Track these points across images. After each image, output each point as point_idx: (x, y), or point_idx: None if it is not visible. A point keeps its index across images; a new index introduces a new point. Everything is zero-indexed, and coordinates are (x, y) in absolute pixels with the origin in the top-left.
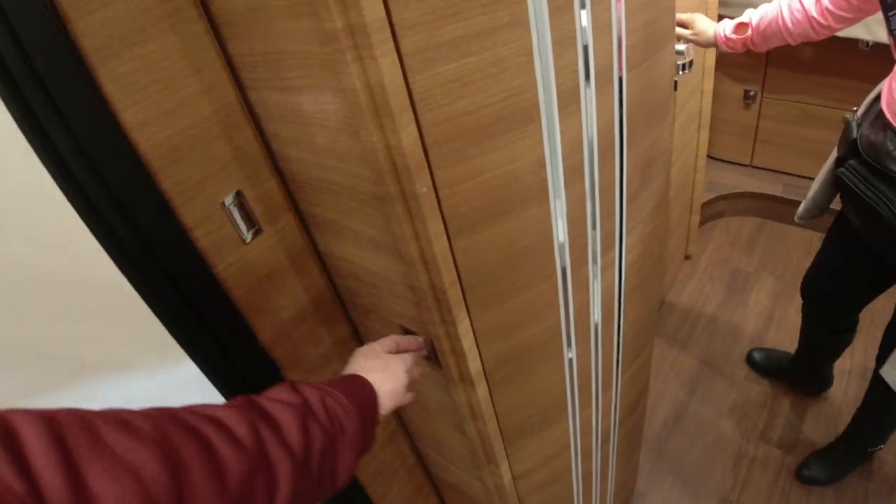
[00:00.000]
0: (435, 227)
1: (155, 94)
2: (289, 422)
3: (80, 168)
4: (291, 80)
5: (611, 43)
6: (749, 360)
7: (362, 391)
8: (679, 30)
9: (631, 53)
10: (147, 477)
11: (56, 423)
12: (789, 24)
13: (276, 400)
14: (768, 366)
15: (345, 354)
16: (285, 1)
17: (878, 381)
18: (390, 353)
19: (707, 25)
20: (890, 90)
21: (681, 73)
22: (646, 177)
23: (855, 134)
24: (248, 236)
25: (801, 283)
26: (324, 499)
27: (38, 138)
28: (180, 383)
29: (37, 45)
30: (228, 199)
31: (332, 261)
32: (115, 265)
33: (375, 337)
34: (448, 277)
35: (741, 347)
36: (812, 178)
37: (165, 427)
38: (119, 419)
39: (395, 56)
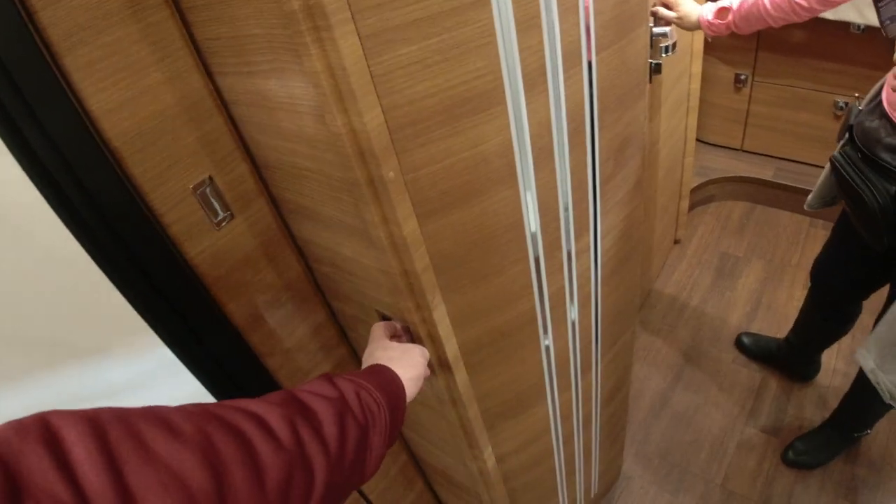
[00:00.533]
0: (404, 211)
1: (121, 82)
2: (327, 417)
3: (47, 156)
4: (257, 65)
5: (578, 24)
6: (738, 344)
7: (391, 383)
8: (662, 11)
9: (601, 34)
10: (193, 486)
11: (99, 425)
12: (769, 6)
13: (316, 394)
14: (757, 350)
15: (322, 340)
16: None
17: None
18: (394, 339)
19: (691, 8)
20: (891, 81)
21: (664, 54)
22: (620, 159)
23: (852, 120)
24: (221, 222)
25: (811, 269)
26: (352, 491)
27: (5, 127)
28: (156, 368)
29: (2, 34)
30: (199, 185)
31: (307, 246)
32: (85, 252)
33: (352, 323)
34: (420, 263)
35: (729, 332)
36: (803, 163)
37: (206, 427)
38: (160, 418)
39: (356, 38)
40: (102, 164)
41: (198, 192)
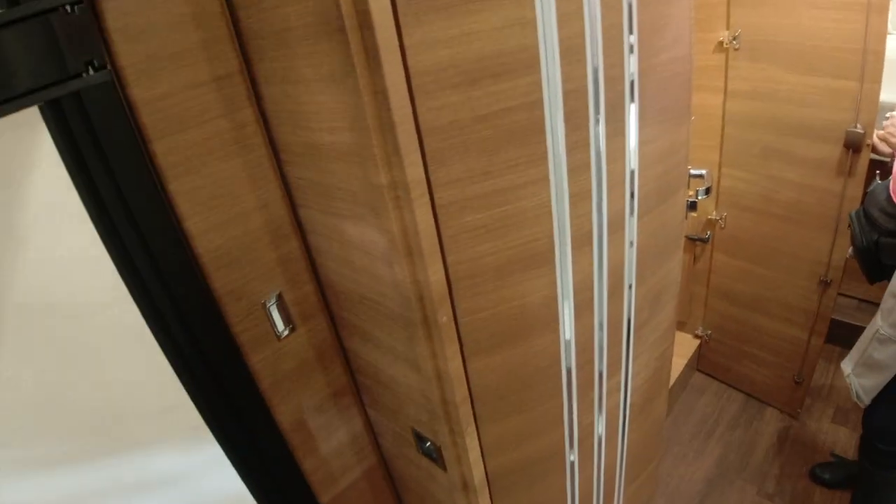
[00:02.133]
0: (451, 350)
1: (216, 207)
2: None
3: (145, 268)
4: (338, 209)
5: (623, 195)
6: (814, 478)
7: None
8: (881, 146)
9: (644, 202)
10: None
11: None
12: None
13: None
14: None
15: (357, 447)
16: (337, 150)
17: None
18: None
19: None
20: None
21: (699, 198)
22: (655, 307)
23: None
24: (283, 333)
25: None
26: None
27: (114, 247)
28: (202, 464)
29: (119, 163)
30: (269, 300)
31: (355, 359)
32: (164, 356)
33: (388, 434)
34: (460, 394)
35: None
36: None
37: None
38: None
39: (430, 208)
40: (190, 277)
41: (268, 306)
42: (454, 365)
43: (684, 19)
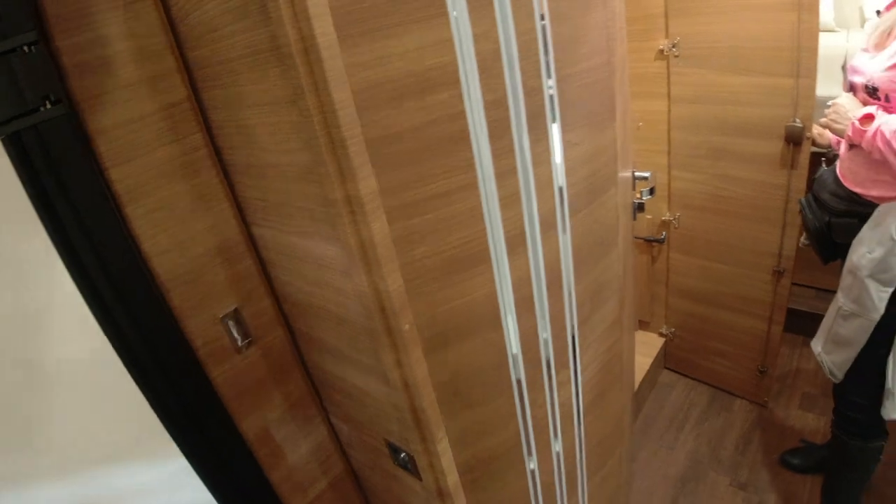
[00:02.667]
0: (416, 356)
1: (172, 228)
2: None
3: (106, 288)
4: (296, 226)
5: (552, 196)
6: (784, 464)
7: None
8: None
9: (574, 202)
10: None
11: None
12: None
13: None
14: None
15: (322, 456)
16: (292, 169)
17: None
18: None
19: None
20: (842, 160)
21: (644, 198)
22: (596, 301)
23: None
24: (243, 346)
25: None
26: None
27: (73, 265)
28: (170, 476)
29: (78, 190)
30: (226, 315)
31: (317, 371)
32: (125, 368)
33: (359, 445)
34: (427, 398)
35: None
36: None
37: None
38: None
39: (384, 219)
40: (150, 296)
41: (225, 321)
42: (420, 371)
43: (603, 29)
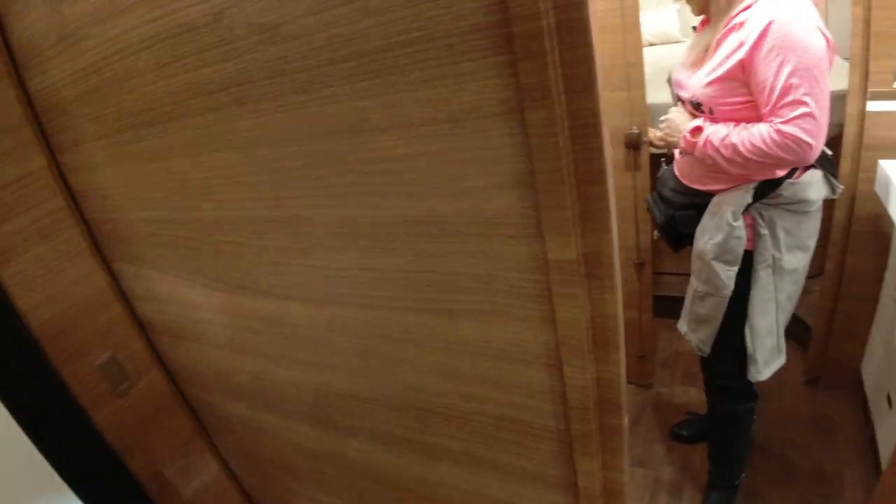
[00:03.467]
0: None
1: (42, 285)
2: None
3: None
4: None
5: None
6: (674, 437)
7: None
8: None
9: None
10: None
11: None
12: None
13: None
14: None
15: (216, 491)
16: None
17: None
18: None
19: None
20: (678, 159)
21: None
22: None
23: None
24: (123, 389)
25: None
26: None
27: None
28: None
29: None
30: (103, 361)
31: (200, 406)
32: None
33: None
34: None
35: None
36: None
37: None
38: None
39: None
40: (27, 348)
41: (103, 367)
42: None
43: None
